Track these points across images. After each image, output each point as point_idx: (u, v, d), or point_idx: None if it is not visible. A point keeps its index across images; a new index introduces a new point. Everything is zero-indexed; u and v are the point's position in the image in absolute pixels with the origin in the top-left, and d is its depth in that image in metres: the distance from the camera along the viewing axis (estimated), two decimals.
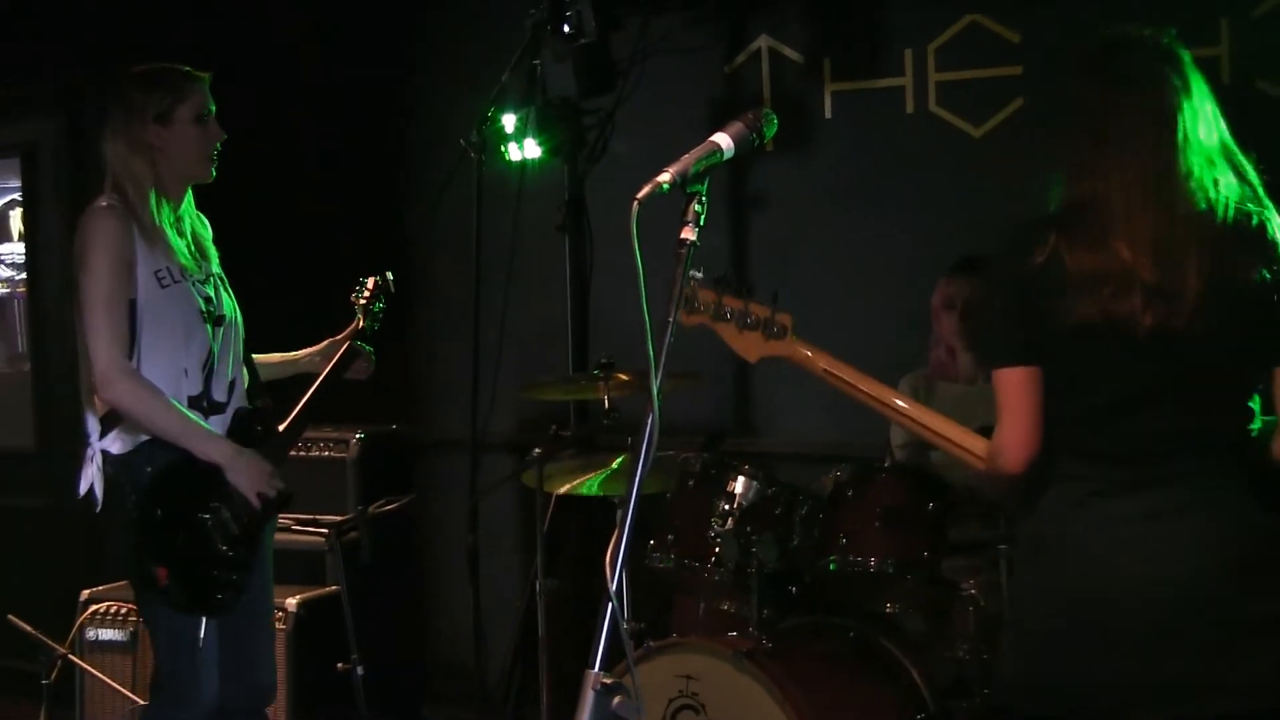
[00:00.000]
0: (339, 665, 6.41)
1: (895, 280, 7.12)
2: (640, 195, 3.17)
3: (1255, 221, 3.87)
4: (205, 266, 5.65)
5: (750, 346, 4.32)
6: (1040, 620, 3.97)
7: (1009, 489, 4.03)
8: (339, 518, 6.88)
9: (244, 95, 8.13)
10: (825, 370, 4.33)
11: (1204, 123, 3.95)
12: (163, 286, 5.43)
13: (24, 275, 8.45)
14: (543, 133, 7.19)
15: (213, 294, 5.61)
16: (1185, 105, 3.94)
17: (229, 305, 5.69)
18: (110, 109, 5.60)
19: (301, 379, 6.12)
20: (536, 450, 6.38)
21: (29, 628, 6.43)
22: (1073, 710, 3.92)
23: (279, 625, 6.73)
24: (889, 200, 7.19)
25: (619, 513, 6.17)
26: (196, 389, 5.51)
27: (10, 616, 6.36)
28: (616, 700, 2.94)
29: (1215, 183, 3.89)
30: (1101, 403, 3.90)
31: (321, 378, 6.07)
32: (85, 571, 7.57)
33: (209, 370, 5.56)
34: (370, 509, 6.61)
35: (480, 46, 7.89)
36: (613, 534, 3.12)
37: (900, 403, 4.31)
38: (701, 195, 3.27)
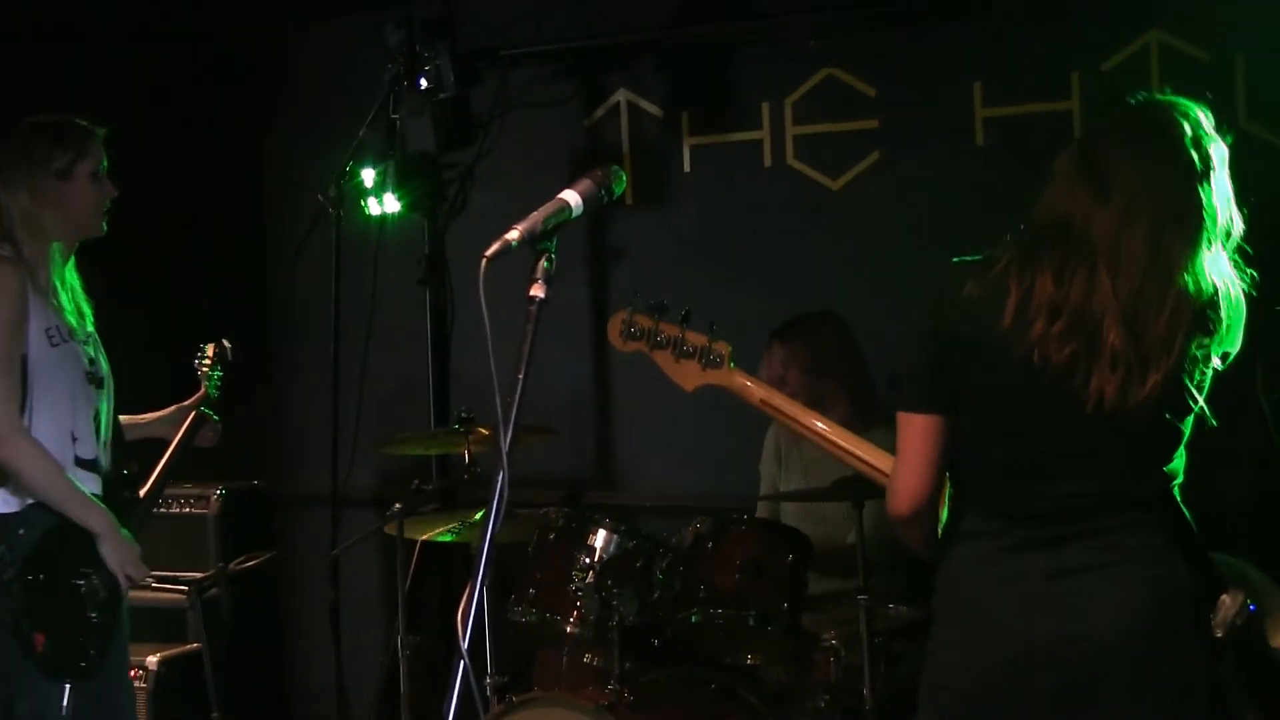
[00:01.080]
0: None
1: (755, 330, 7.14)
2: (489, 253, 3.18)
3: (1223, 302, 3.73)
4: (84, 325, 5.53)
5: (686, 375, 4.34)
6: (954, 677, 3.91)
7: (909, 532, 3.96)
8: (200, 575, 6.83)
9: (110, 141, 8.12)
10: (762, 400, 4.33)
11: (1220, 201, 3.76)
12: (53, 345, 5.34)
13: None
14: (402, 187, 7.18)
15: (93, 353, 5.52)
16: (1208, 179, 3.75)
17: (104, 366, 5.59)
18: (12, 159, 5.47)
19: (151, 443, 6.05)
20: (397, 505, 6.37)
21: None
22: None
23: (139, 684, 6.69)
24: (749, 251, 7.22)
25: (473, 564, 6.19)
26: (91, 453, 5.45)
27: None
28: None
29: (1209, 266, 3.74)
30: (1023, 459, 3.82)
31: (173, 446, 6.03)
32: None
33: (97, 432, 5.49)
34: (231, 565, 6.57)
35: (338, 99, 7.86)
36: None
37: (839, 439, 4.33)
38: (550, 252, 3.28)
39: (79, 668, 5.39)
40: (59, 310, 5.38)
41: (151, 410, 6.18)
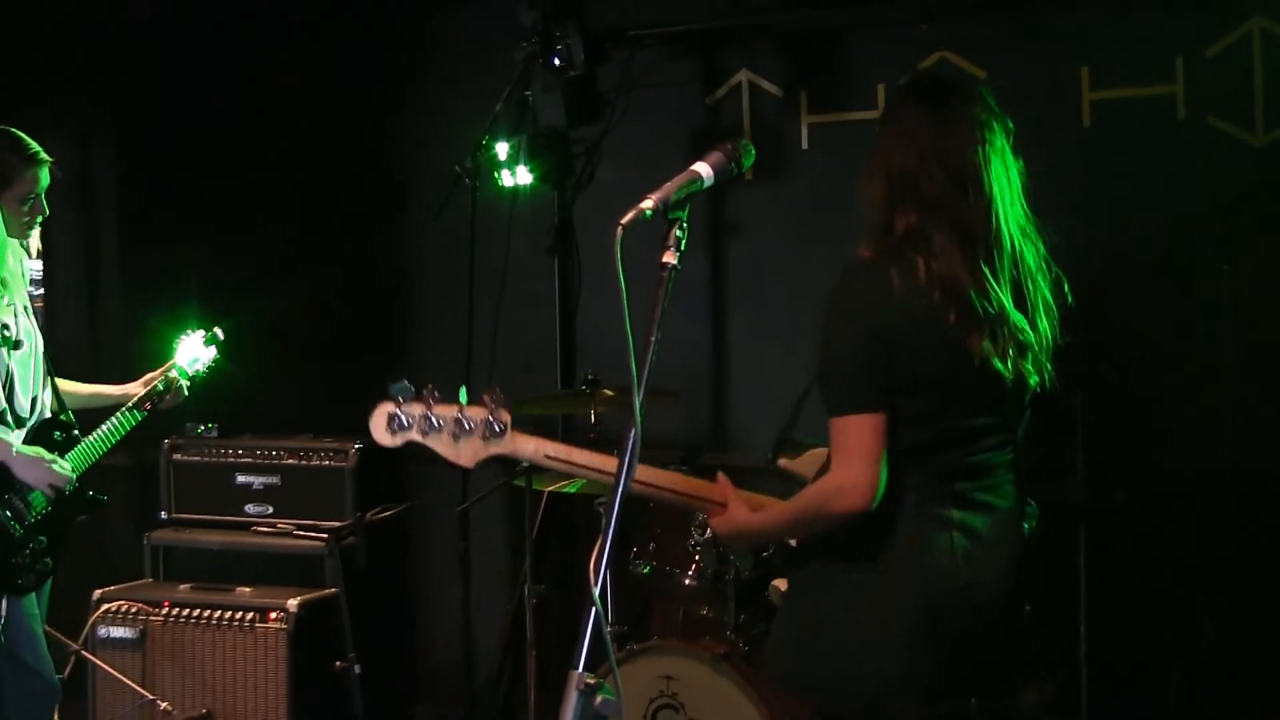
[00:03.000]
0: (337, 664, 6.41)
1: None
2: (624, 221, 3.16)
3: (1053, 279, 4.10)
4: (6, 296, 5.81)
5: (467, 453, 4.05)
6: (903, 624, 3.94)
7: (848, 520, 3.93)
8: (338, 524, 6.89)
9: (249, 121, 8.17)
10: (547, 456, 4.11)
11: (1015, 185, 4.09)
12: None
13: (41, 291, 8.45)
14: (533, 160, 7.18)
15: (12, 321, 5.82)
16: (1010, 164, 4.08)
17: (29, 333, 5.92)
18: None
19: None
20: (525, 461, 6.36)
21: (45, 626, 6.42)
22: (930, 697, 3.97)
23: (281, 625, 6.73)
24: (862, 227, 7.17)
25: (603, 520, 6.19)
26: None
27: None
28: (599, 700, 2.93)
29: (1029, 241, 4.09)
30: (951, 428, 3.98)
31: (138, 397, 6.27)
32: (97, 573, 7.56)
33: (9, 389, 5.80)
34: (367, 516, 6.62)
35: (473, 76, 7.87)
36: (596, 541, 3.11)
37: (641, 475, 4.14)
38: (682, 221, 3.26)
39: (15, 584, 5.80)
40: None
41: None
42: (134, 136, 8.09)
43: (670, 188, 3.26)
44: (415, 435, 4.08)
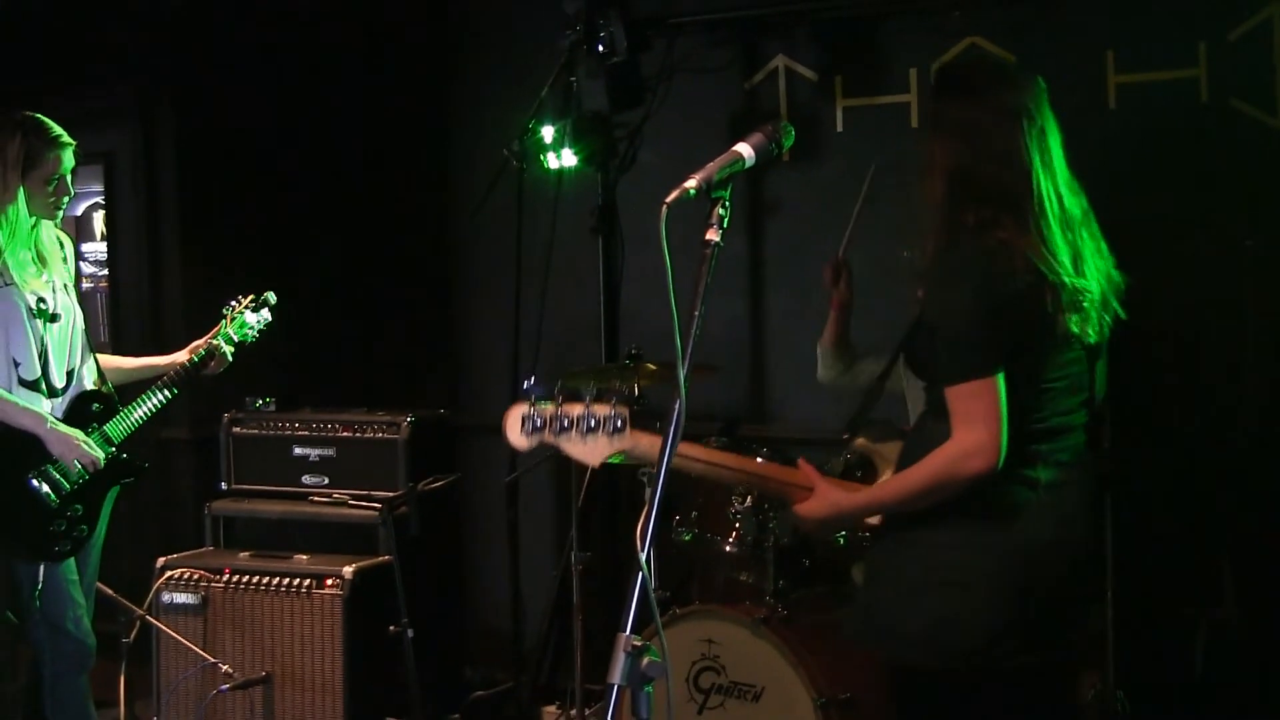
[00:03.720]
0: (391, 628, 6.44)
1: (900, 281, 7.08)
2: (669, 199, 3.17)
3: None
4: (45, 273, 6.01)
5: (594, 452, 4.04)
6: (996, 579, 4.02)
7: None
8: (391, 494, 6.91)
9: (303, 106, 8.20)
10: (679, 455, 4.00)
11: None
12: None
13: (106, 271, 8.48)
14: (578, 143, 7.18)
15: (48, 295, 5.95)
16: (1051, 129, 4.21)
17: (66, 307, 6.03)
18: None
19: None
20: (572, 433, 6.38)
21: (111, 592, 6.46)
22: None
23: (337, 592, 6.76)
24: (895, 206, 7.16)
25: (648, 490, 6.20)
26: (33, 375, 5.90)
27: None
28: (646, 661, 2.94)
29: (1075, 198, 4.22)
30: (1038, 392, 4.06)
31: (169, 364, 6.36)
32: (160, 541, 7.61)
33: (45, 359, 5.91)
34: (419, 486, 6.63)
35: (519, 64, 7.89)
36: (641, 510, 3.12)
37: (729, 462, 4.40)
38: (725, 200, 3.27)
39: (52, 551, 5.91)
40: (2, 262, 5.86)
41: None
42: (193, 118, 8.10)
43: (713, 168, 3.27)
44: (548, 436, 4.07)
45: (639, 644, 2.95)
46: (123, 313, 8.38)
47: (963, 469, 3.97)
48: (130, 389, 6.27)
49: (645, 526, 3.04)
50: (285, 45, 8.17)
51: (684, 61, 7.51)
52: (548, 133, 7.17)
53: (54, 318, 5.96)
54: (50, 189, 5.93)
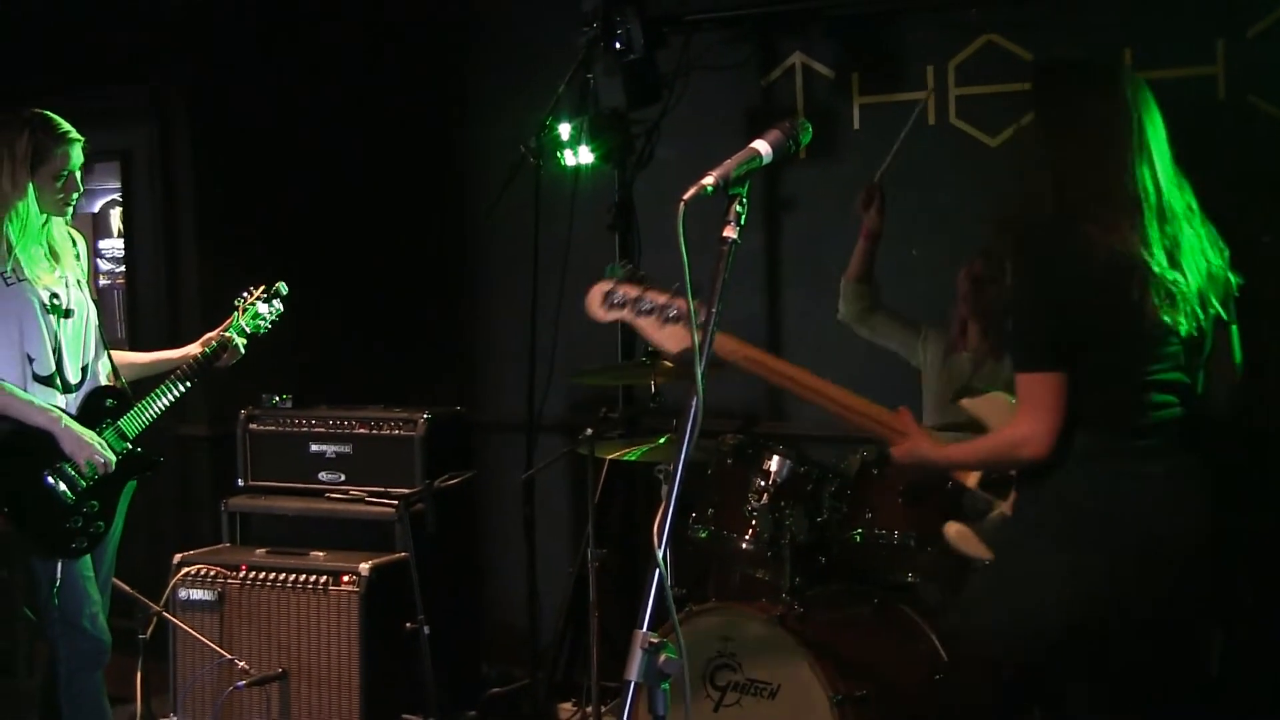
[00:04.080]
0: (407, 625, 6.45)
1: (916, 278, 7.10)
2: (686, 196, 3.17)
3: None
4: (58, 269, 6.00)
5: (672, 339, 4.26)
6: (1105, 571, 4.17)
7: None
8: (407, 491, 6.91)
9: (319, 103, 8.20)
10: (746, 357, 4.47)
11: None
12: (6, 285, 5.84)
13: (123, 268, 8.49)
14: (594, 140, 7.17)
15: (62, 291, 5.96)
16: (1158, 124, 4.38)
17: (80, 303, 6.02)
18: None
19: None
20: (588, 430, 6.40)
21: (128, 588, 6.47)
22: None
23: (353, 588, 6.77)
24: (912, 204, 7.17)
25: (664, 487, 6.21)
26: (47, 370, 5.90)
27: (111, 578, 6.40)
28: (663, 658, 2.94)
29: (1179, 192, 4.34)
30: (1136, 385, 4.18)
31: (182, 357, 6.34)
32: (177, 538, 7.62)
33: (59, 355, 5.92)
34: (435, 483, 6.63)
35: (536, 61, 7.90)
36: (657, 507, 3.13)
37: (809, 380, 4.61)
38: (742, 197, 3.26)
39: (69, 548, 5.89)
40: (13, 257, 5.86)
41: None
42: (208, 115, 8.12)
43: (730, 164, 3.26)
44: (628, 314, 4.31)
45: (656, 641, 2.95)
46: (140, 309, 8.40)
47: (1015, 454, 4.20)
48: (145, 384, 6.27)
49: (662, 523, 3.04)
50: (300, 42, 8.18)
51: (701, 58, 7.51)
52: (564, 130, 7.17)
53: (67, 313, 5.95)
54: (59, 185, 5.92)
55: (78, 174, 5.98)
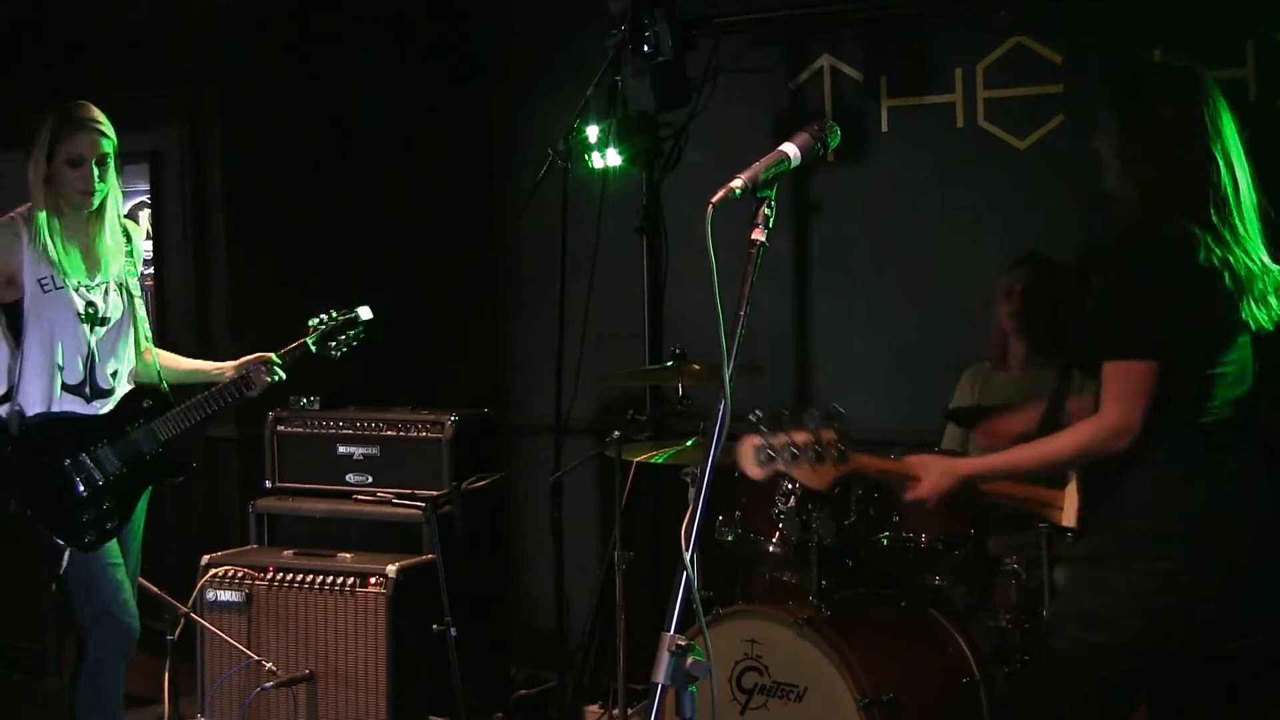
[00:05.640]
0: (434, 626, 6.45)
1: (946, 281, 7.10)
2: (714, 199, 3.17)
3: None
4: (98, 275, 6.04)
5: (824, 477, 4.31)
6: (1195, 570, 4.20)
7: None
8: (435, 493, 6.92)
9: (353, 106, 8.22)
10: (877, 470, 4.57)
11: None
12: (44, 291, 5.90)
13: (151, 270, 8.51)
14: (623, 143, 7.18)
15: (99, 299, 6.01)
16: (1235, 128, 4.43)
17: (117, 308, 6.07)
18: (28, 135, 6.01)
19: None
20: (616, 432, 6.40)
21: (156, 589, 6.48)
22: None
23: (380, 590, 6.78)
24: (940, 206, 7.17)
25: (692, 490, 6.20)
26: (76, 378, 5.96)
27: (139, 579, 6.41)
28: (690, 661, 2.95)
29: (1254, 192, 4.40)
30: (1216, 380, 4.23)
31: (229, 389, 6.29)
32: (205, 539, 7.63)
33: (90, 362, 5.97)
34: (463, 485, 6.64)
35: (564, 63, 7.92)
36: (685, 510, 3.13)
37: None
38: (771, 200, 3.27)
39: (79, 539, 5.92)
40: (53, 262, 5.89)
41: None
42: (240, 116, 8.12)
43: (759, 167, 3.27)
44: (781, 466, 4.28)
45: (683, 643, 2.95)
46: (169, 310, 8.41)
47: (1105, 447, 4.18)
48: (183, 389, 6.29)
49: (690, 526, 3.04)
50: (331, 44, 8.19)
51: (729, 61, 7.51)
52: (593, 132, 7.18)
53: (103, 321, 6.00)
54: (77, 172, 5.94)
55: (93, 165, 5.96)
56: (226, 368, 6.35)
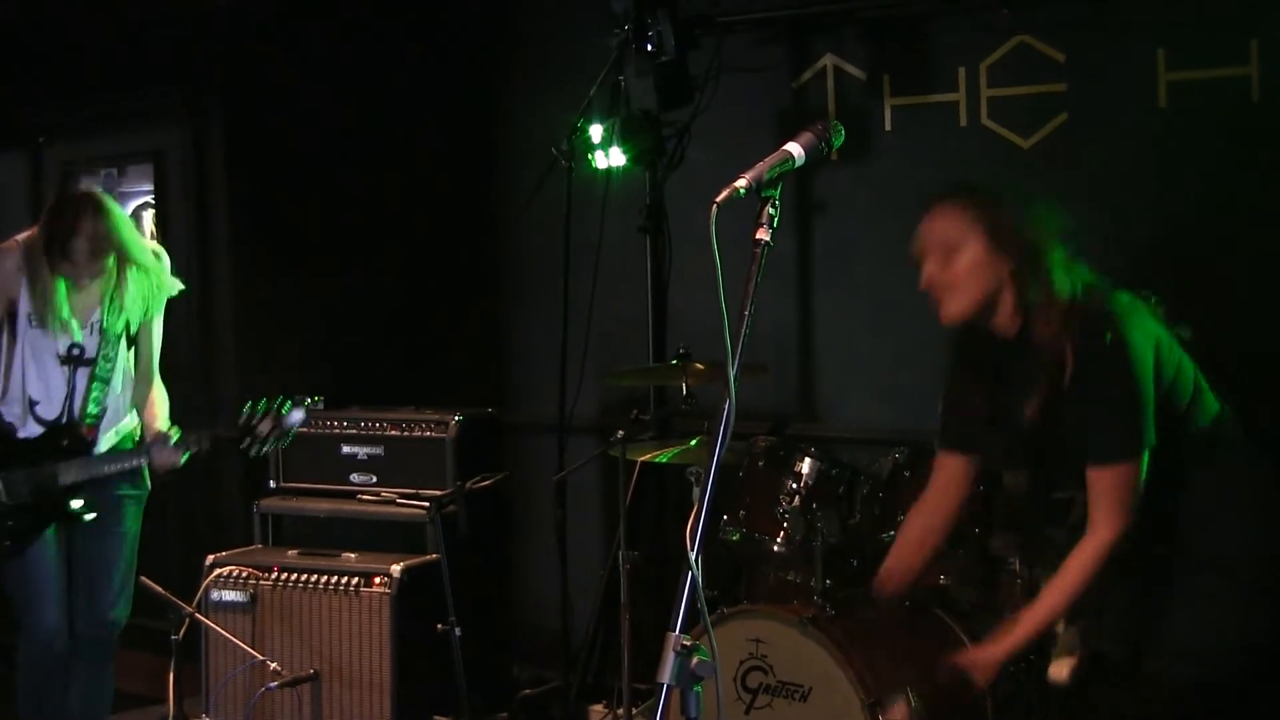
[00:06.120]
0: (438, 626, 6.45)
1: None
2: (719, 199, 3.17)
3: None
4: (90, 320, 6.15)
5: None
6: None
7: None
8: (439, 492, 6.93)
9: (356, 106, 8.21)
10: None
11: None
12: (31, 326, 6.08)
13: None
14: (626, 142, 7.18)
15: (88, 340, 6.11)
16: None
17: (109, 353, 6.15)
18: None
19: None
20: (620, 432, 6.40)
21: (160, 589, 6.48)
22: None
23: (385, 590, 6.79)
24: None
25: (696, 490, 6.20)
26: (52, 414, 6.08)
27: (143, 579, 6.41)
28: (695, 660, 2.94)
29: None
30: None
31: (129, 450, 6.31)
32: (209, 539, 7.63)
33: (69, 402, 6.09)
34: (467, 485, 6.65)
35: (567, 63, 7.91)
36: (689, 509, 3.14)
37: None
38: (775, 199, 3.26)
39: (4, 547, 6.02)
40: (43, 305, 6.04)
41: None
42: (243, 117, 8.12)
43: (763, 167, 3.26)
44: None
45: (688, 643, 2.95)
46: (173, 311, 8.40)
47: (1108, 558, 4.31)
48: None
49: (695, 526, 3.04)
50: (333, 44, 8.19)
51: (732, 60, 7.50)
52: (596, 131, 7.17)
53: (86, 362, 6.07)
54: (91, 255, 6.09)
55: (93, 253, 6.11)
56: (148, 424, 6.38)
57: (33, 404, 6.01)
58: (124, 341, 6.17)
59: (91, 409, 6.07)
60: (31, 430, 6.04)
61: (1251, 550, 4.35)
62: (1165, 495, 4.30)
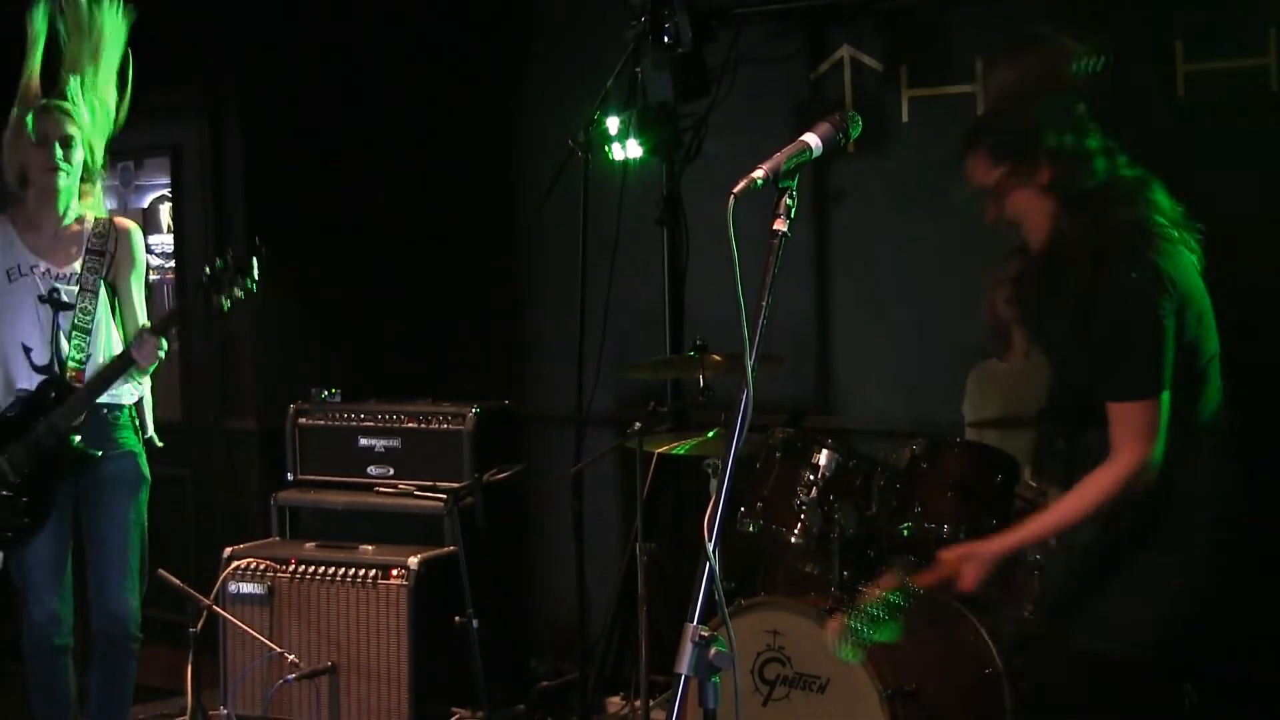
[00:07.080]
0: (456, 618, 6.45)
1: (967, 271, 7.07)
2: (735, 190, 3.17)
3: None
4: (70, 266, 6.10)
5: None
6: None
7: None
8: (456, 485, 6.92)
9: (373, 99, 8.22)
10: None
11: None
12: (10, 281, 6.03)
13: (172, 263, 8.52)
14: (643, 134, 7.18)
15: (63, 286, 6.06)
16: None
17: (85, 298, 6.06)
18: None
19: None
20: (637, 424, 6.39)
21: (178, 581, 6.49)
22: None
23: (402, 582, 6.79)
24: (960, 194, 7.13)
25: (714, 482, 6.19)
26: (44, 360, 6.01)
27: (161, 571, 6.42)
28: (713, 652, 2.94)
29: None
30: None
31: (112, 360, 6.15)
32: (227, 532, 7.64)
33: (56, 345, 6.02)
34: (484, 477, 6.65)
35: (584, 55, 7.91)
36: (706, 501, 3.13)
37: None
38: (792, 190, 3.26)
39: (6, 537, 5.97)
40: (24, 250, 6.06)
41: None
42: (260, 111, 8.14)
43: (780, 158, 3.26)
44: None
45: (706, 634, 2.95)
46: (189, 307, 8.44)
47: (1136, 487, 4.21)
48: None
49: (713, 518, 3.03)
50: (351, 38, 8.20)
51: (749, 52, 7.50)
52: (613, 123, 7.18)
53: (66, 306, 6.03)
54: (40, 151, 6.03)
55: (59, 145, 6.03)
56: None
57: (27, 350, 5.98)
58: (103, 292, 6.11)
59: (75, 354, 6.01)
60: (31, 381, 5.98)
61: (1207, 534, 4.32)
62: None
